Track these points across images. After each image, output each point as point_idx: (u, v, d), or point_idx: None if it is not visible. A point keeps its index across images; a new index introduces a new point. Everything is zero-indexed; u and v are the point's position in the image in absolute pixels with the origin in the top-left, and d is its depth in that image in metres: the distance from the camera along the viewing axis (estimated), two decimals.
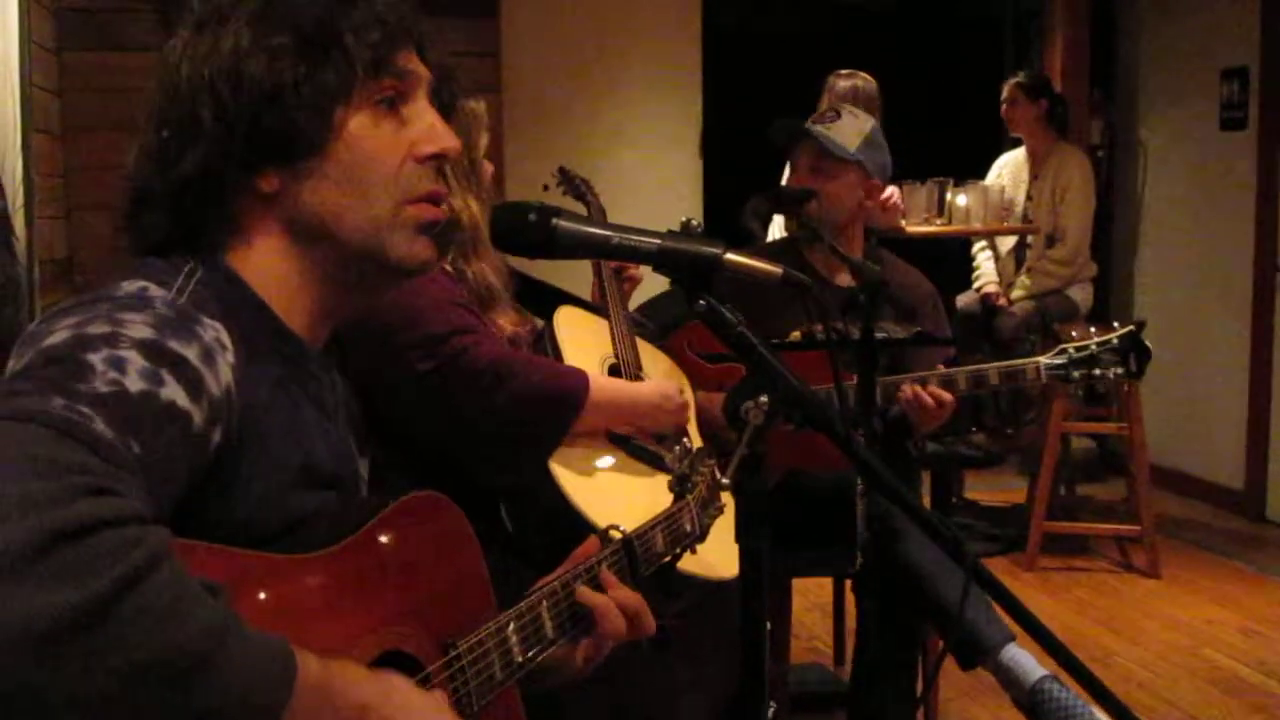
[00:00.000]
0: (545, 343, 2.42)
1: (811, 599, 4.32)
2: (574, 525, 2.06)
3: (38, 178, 3.86)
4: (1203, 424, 5.72)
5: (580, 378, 2.24)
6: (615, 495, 2.20)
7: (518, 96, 5.37)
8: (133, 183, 1.27)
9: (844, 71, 5.24)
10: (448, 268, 2.26)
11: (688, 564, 2.05)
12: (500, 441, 2.18)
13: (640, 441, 2.34)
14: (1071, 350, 2.81)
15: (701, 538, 1.76)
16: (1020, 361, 2.89)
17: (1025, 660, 2.67)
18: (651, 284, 2.50)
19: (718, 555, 2.06)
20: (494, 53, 5.18)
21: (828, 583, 3.98)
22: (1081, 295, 5.68)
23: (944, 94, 7.11)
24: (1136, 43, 6.39)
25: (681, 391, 2.48)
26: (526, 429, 2.17)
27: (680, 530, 1.71)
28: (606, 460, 2.28)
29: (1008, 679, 2.69)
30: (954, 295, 5.80)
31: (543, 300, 2.58)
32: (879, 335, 2.52)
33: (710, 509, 1.80)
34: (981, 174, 6.00)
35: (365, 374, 1.54)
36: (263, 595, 1.07)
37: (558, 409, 2.19)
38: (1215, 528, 5.41)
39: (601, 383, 2.31)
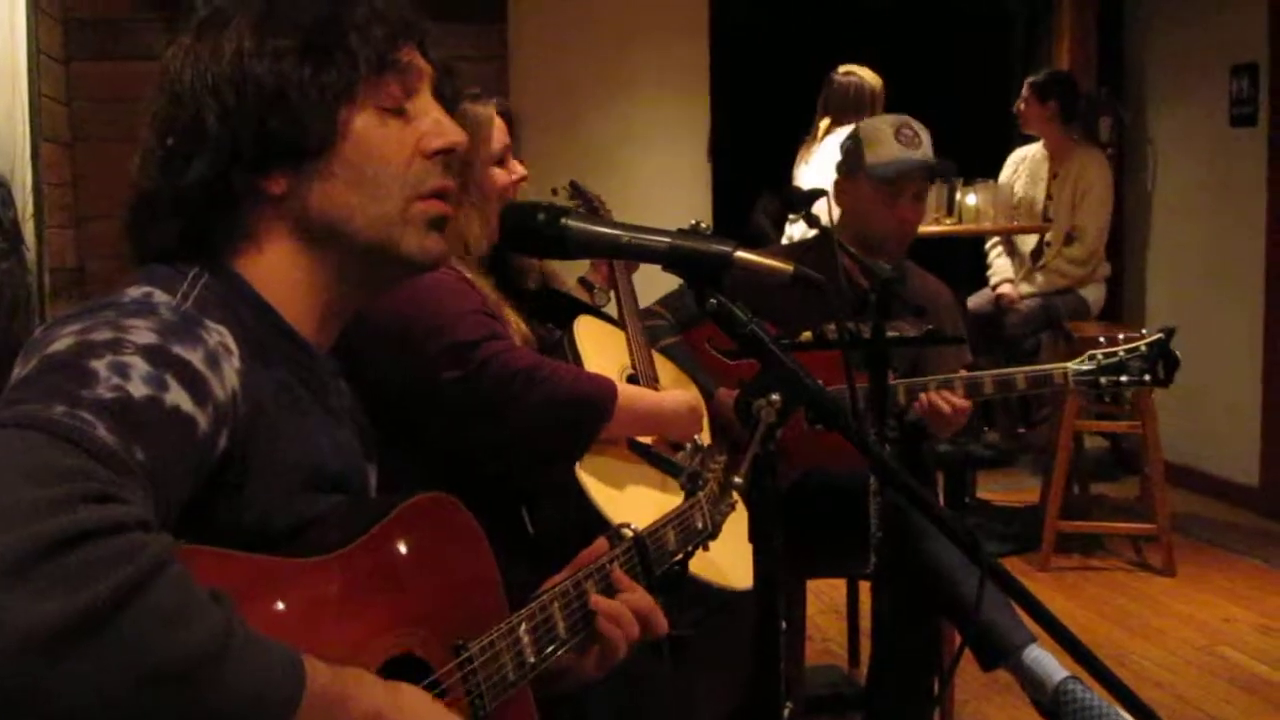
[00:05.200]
0: (565, 351, 2.42)
1: (825, 600, 4.30)
2: (598, 531, 2.06)
3: (47, 187, 3.86)
4: (1217, 421, 5.68)
5: (608, 385, 2.24)
6: (640, 503, 2.20)
7: (525, 101, 5.36)
8: (137, 190, 1.26)
9: (843, 68, 5.21)
10: (467, 275, 2.24)
11: (705, 572, 2.04)
12: (528, 447, 2.19)
13: (660, 452, 2.35)
14: (1100, 356, 2.77)
15: (714, 534, 1.75)
16: (1047, 367, 2.86)
17: (1048, 661, 2.66)
18: (664, 282, 2.48)
19: (733, 564, 2.05)
20: (501, 57, 5.18)
21: (841, 584, 3.96)
22: (1094, 295, 5.66)
23: (953, 92, 7.08)
24: (1145, 39, 6.37)
25: (699, 400, 2.49)
26: (555, 435, 2.17)
27: (692, 527, 1.70)
28: (630, 469, 2.28)
29: (1030, 680, 2.67)
30: (965, 296, 5.78)
31: (561, 310, 2.57)
32: (890, 334, 2.51)
33: (722, 505, 1.79)
34: (991, 173, 5.97)
35: (384, 383, 1.53)
36: (272, 599, 1.06)
37: (587, 415, 2.19)
38: (1230, 525, 5.37)
39: (628, 390, 2.31)
